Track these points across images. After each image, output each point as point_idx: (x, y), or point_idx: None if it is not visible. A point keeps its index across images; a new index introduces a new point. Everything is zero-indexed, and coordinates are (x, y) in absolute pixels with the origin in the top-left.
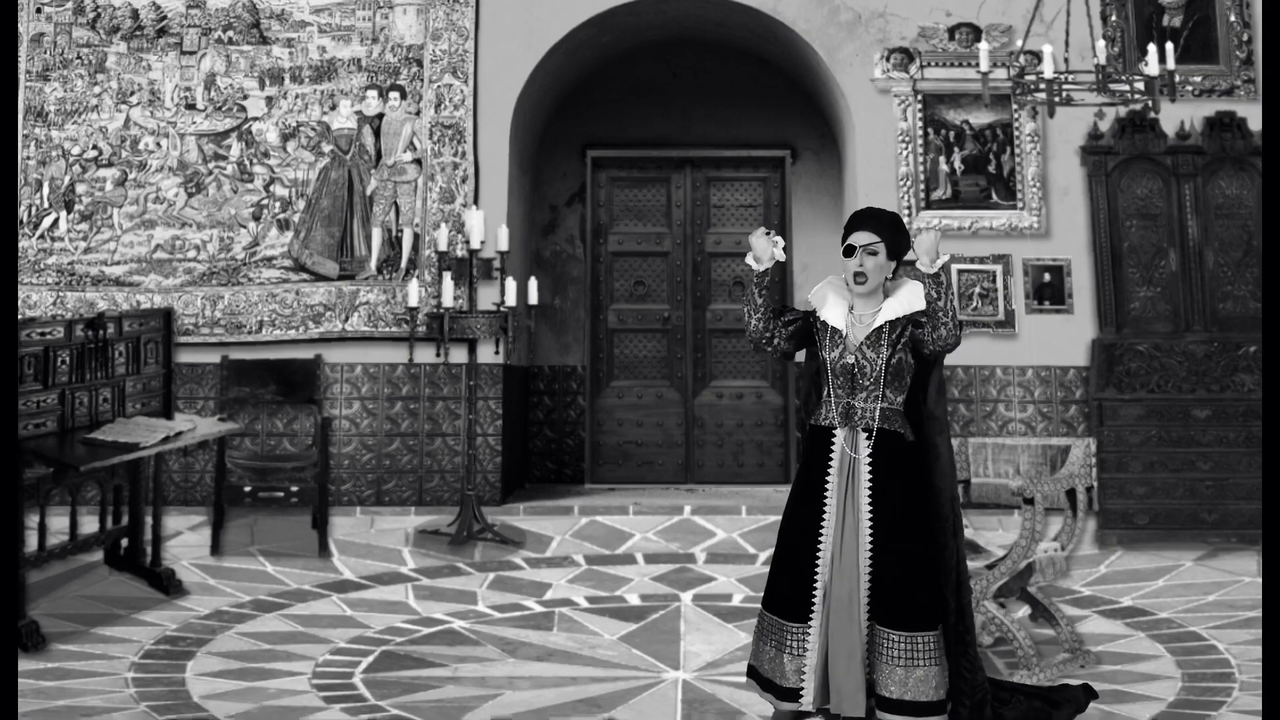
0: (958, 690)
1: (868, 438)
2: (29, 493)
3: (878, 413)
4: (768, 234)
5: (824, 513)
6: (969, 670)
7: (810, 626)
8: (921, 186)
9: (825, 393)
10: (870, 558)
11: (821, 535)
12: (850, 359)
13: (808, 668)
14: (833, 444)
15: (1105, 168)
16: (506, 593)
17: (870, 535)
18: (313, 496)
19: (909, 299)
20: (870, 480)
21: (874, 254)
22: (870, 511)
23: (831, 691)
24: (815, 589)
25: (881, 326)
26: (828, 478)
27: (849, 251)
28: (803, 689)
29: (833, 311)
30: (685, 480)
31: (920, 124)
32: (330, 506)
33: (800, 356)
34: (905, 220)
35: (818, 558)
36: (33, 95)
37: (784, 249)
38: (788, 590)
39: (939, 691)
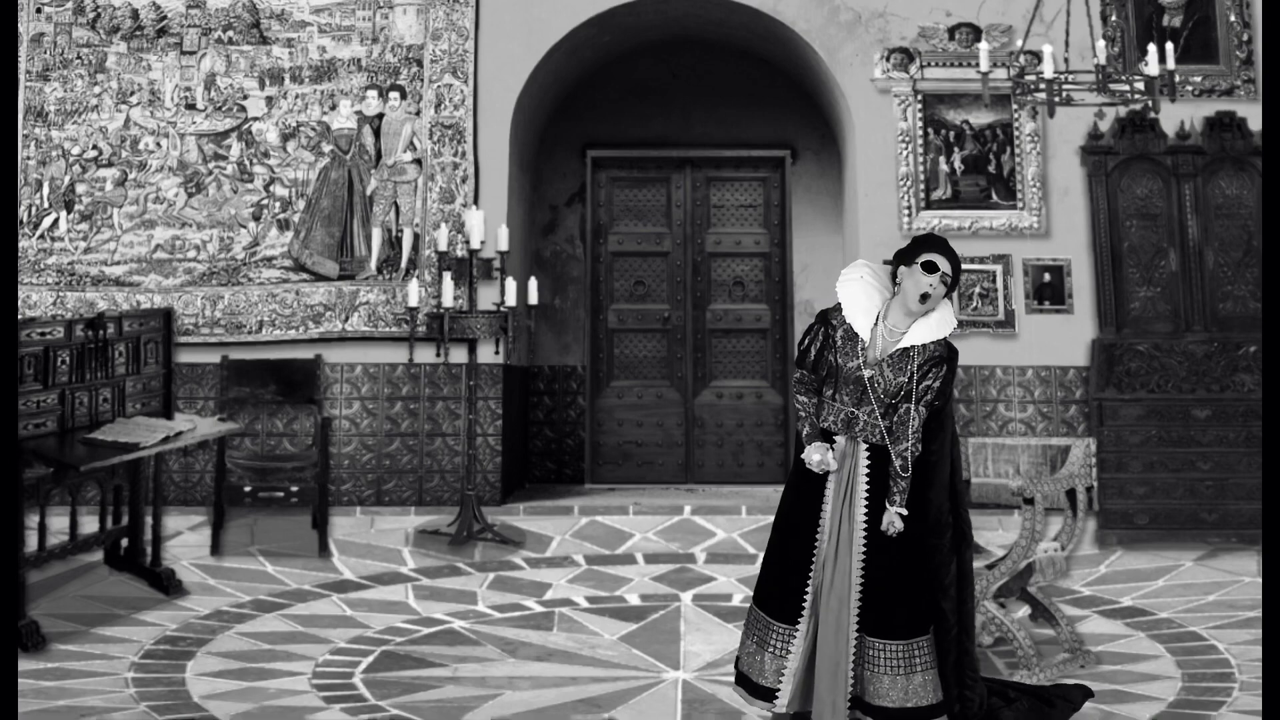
0: (961, 696)
1: (868, 448)
2: (29, 493)
3: (882, 430)
4: (820, 461)
5: (820, 518)
6: (971, 677)
7: (797, 629)
8: (921, 186)
9: (830, 394)
10: (863, 569)
11: (817, 540)
12: (868, 373)
13: (788, 670)
14: (832, 449)
15: (1105, 168)
16: (506, 593)
17: (864, 546)
18: (313, 496)
19: (939, 324)
20: (867, 491)
21: (945, 283)
22: (865, 523)
23: (815, 701)
24: (806, 592)
25: (909, 350)
26: (826, 483)
27: (931, 267)
28: (779, 690)
29: (861, 319)
30: (685, 480)
31: (920, 124)
32: (330, 506)
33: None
34: (905, 220)
35: (812, 561)
36: (33, 95)
37: (831, 456)
38: (778, 589)
39: (937, 694)
